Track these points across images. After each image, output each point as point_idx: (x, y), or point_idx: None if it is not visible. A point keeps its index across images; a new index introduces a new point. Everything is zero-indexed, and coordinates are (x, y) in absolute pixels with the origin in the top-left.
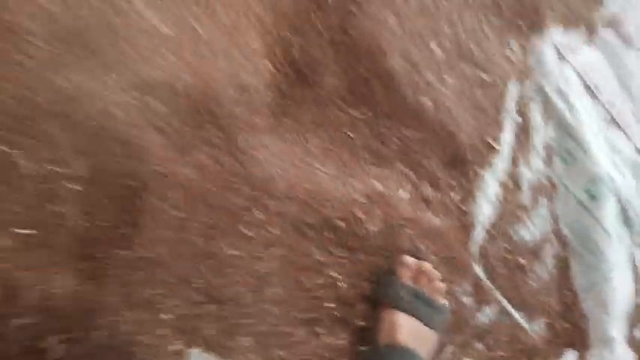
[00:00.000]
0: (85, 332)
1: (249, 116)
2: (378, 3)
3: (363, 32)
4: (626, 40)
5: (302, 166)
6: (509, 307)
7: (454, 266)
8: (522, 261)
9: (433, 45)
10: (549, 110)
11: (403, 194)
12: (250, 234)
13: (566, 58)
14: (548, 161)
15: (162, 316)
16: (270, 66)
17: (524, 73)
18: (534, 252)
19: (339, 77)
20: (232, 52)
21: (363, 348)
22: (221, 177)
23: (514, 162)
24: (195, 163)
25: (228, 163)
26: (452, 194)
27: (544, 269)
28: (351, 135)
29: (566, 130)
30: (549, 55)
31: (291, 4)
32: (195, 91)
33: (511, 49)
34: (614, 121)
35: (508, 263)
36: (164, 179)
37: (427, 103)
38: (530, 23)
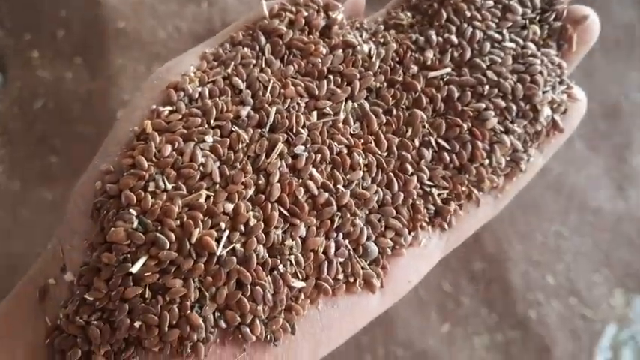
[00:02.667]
0: None
1: None
2: (511, 232)
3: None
4: None
5: None
6: None
7: None
8: None
9: (549, 275)
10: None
11: None
12: None
13: None
14: None
15: None
16: None
17: (623, 321)
18: None
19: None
20: None
21: None
22: None
23: None
24: None
25: None
26: None
27: None
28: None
29: None
30: None
31: None
32: None
33: (615, 297)
34: None
35: None
36: None
37: (532, 315)
38: (635, 284)
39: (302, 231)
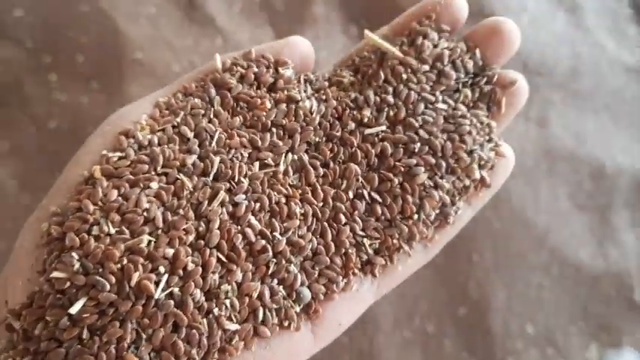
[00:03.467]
0: None
1: None
2: (495, 281)
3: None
4: None
5: None
6: None
7: None
8: None
9: (529, 325)
10: None
11: None
12: None
13: None
14: None
15: None
16: None
17: None
18: None
19: None
20: None
21: None
22: None
23: None
24: None
25: None
26: None
27: None
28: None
29: None
30: None
31: None
32: None
33: (590, 350)
34: None
35: None
36: None
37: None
38: (609, 338)
39: (238, 276)
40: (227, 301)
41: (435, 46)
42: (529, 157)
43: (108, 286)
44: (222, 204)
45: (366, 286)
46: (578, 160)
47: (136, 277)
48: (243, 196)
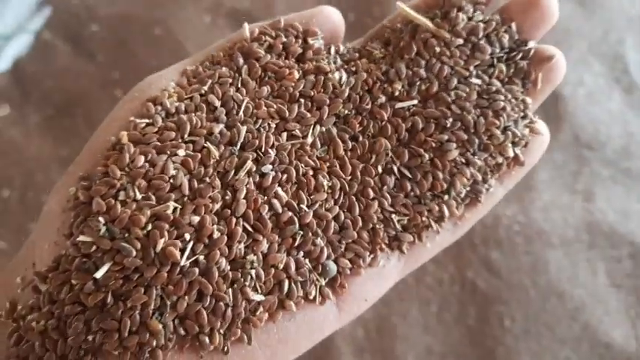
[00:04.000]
0: None
1: None
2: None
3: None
4: None
5: None
6: None
7: None
8: None
9: None
10: None
11: None
12: None
13: None
14: None
15: None
16: None
17: None
18: None
19: None
20: None
21: None
22: None
23: None
24: None
25: None
26: None
27: None
28: None
29: None
30: None
31: None
32: None
33: None
34: None
35: None
36: None
37: None
38: None
39: (264, 246)
40: (252, 272)
41: (470, 18)
42: (571, 228)
43: (133, 252)
44: (248, 174)
45: (393, 263)
46: (620, 237)
47: (161, 243)
48: (270, 167)
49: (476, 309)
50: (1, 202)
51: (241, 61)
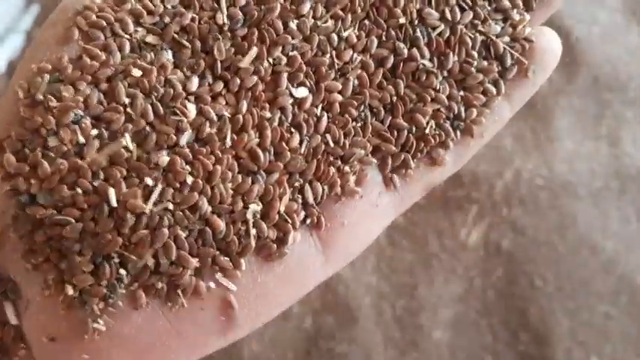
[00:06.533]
0: None
1: None
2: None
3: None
4: None
5: None
6: None
7: None
8: None
9: (594, 356)
10: None
11: None
12: None
13: None
14: None
15: None
16: None
17: None
18: None
19: None
20: None
21: None
22: None
23: None
24: None
25: None
26: None
27: None
28: None
29: None
30: None
31: None
32: None
33: None
34: None
35: None
36: None
37: None
38: None
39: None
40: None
41: None
42: (598, 178)
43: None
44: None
45: (386, 200)
46: None
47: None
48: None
49: (503, 271)
50: None
51: None
